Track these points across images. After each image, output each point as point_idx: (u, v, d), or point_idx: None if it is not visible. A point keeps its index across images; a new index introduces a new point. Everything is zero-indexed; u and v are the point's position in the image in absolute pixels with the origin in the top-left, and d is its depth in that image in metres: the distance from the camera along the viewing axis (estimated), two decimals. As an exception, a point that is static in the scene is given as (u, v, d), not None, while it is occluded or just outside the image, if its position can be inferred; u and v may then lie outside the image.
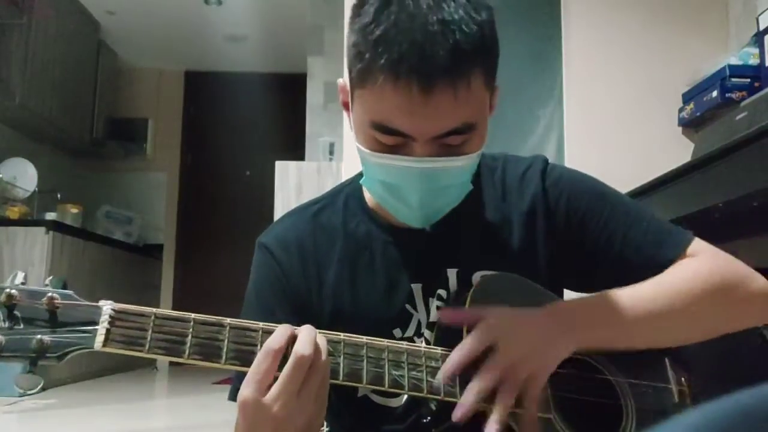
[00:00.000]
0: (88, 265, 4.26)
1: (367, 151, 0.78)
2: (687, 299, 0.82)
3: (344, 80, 0.83)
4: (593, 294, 0.83)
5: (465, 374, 0.73)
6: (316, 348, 0.68)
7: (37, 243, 3.76)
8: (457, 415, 0.70)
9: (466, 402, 0.70)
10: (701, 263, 0.86)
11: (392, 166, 0.76)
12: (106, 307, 0.66)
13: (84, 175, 5.45)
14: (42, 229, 3.79)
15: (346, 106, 0.84)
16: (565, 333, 0.77)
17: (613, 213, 0.90)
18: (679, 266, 0.86)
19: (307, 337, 0.68)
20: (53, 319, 0.65)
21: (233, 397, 0.84)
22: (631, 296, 0.82)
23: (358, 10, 0.77)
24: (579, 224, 0.90)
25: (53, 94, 4.50)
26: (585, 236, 0.90)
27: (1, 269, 3.73)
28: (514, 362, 0.72)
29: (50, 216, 4.19)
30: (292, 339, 0.68)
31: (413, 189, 0.77)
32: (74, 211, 4.60)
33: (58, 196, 4.63)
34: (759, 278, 0.87)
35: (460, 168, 0.78)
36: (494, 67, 0.77)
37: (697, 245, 0.89)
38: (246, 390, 0.67)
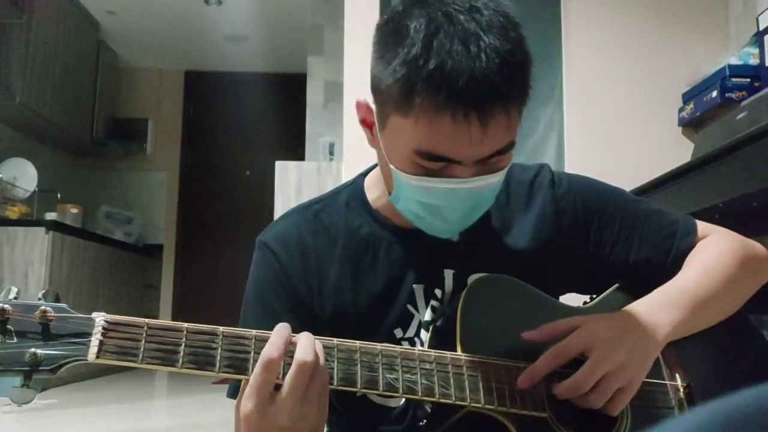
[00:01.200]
0: (88, 265, 4.26)
1: (408, 174, 0.77)
2: (725, 276, 0.89)
3: (365, 99, 0.82)
4: (661, 291, 0.87)
5: (461, 376, 0.74)
6: (317, 353, 0.68)
7: (37, 243, 3.76)
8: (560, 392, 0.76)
9: (562, 393, 0.75)
10: (719, 241, 0.94)
11: (436, 189, 0.76)
12: (99, 318, 0.66)
13: (84, 175, 5.45)
14: (42, 229, 3.79)
15: (366, 123, 0.83)
16: (654, 345, 0.81)
17: (625, 216, 0.94)
18: (703, 248, 0.93)
19: (307, 343, 0.68)
20: (46, 332, 0.65)
21: (231, 394, 0.84)
22: (684, 287, 0.87)
23: (395, 36, 0.73)
24: (594, 232, 0.94)
25: (53, 93, 4.50)
26: (601, 242, 0.94)
27: (1, 269, 3.73)
28: (607, 372, 0.75)
29: (50, 216, 4.19)
30: (288, 345, 0.68)
31: (455, 208, 0.78)
32: (74, 211, 4.60)
33: (58, 196, 4.63)
34: (756, 243, 0.96)
35: (496, 183, 0.79)
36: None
37: (701, 225, 0.96)
38: (249, 403, 0.66)
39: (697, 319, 0.86)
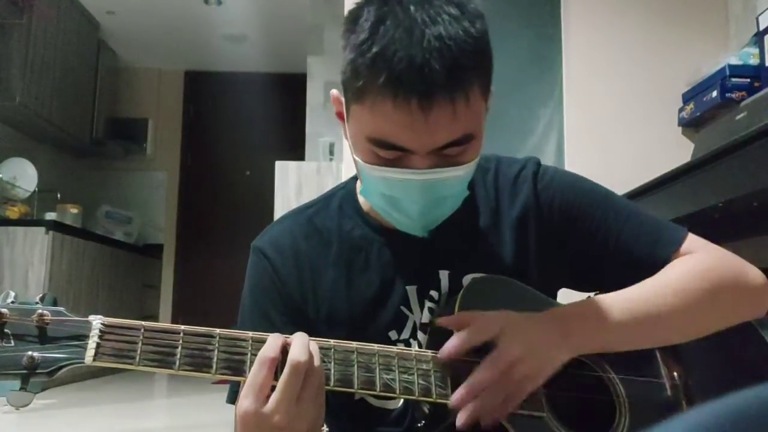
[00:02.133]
0: (88, 265, 4.26)
1: (366, 164, 0.77)
2: (685, 298, 0.82)
3: (338, 92, 0.83)
4: (590, 298, 0.84)
5: (458, 377, 0.74)
6: (311, 354, 0.68)
7: (37, 243, 3.76)
8: (455, 398, 0.72)
9: (467, 388, 0.71)
10: (696, 261, 0.86)
11: (392, 179, 0.76)
12: (96, 321, 0.66)
13: (84, 175, 5.45)
14: (42, 229, 3.79)
15: (340, 116, 0.84)
16: (565, 339, 0.77)
17: (606, 213, 0.90)
18: (676, 265, 0.86)
19: (301, 344, 0.68)
20: (43, 336, 0.65)
21: (231, 400, 0.84)
22: (629, 299, 0.82)
23: (352, 25, 0.76)
24: (572, 226, 0.90)
25: (53, 93, 4.50)
26: (579, 238, 0.90)
27: (1, 269, 3.73)
28: (512, 361, 0.72)
29: (50, 216, 4.19)
30: (285, 346, 0.69)
31: (414, 201, 0.78)
32: (74, 211, 4.60)
33: (58, 196, 4.63)
34: (753, 270, 0.87)
35: (459, 177, 0.78)
36: (490, 77, 0.78)
37: (692, 241, 0.89)
38: (245, 402, 0.67)
39: (628, 336, 0.80)
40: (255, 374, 0.67)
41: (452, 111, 0.72)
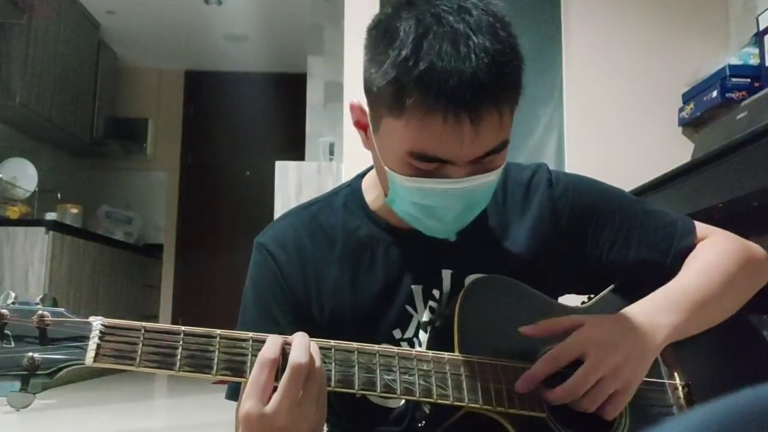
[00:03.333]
0: (88, 265, 4.26)
1: (402, 176, 0.77)
2: (725, 277, 0.88)
3: (359, 102, 0.82)
4: (659, 293, 0.87)
5: (458, 377, 0.74)
6: (311, 355, 0.68)
7: (37, 243, 3.76)
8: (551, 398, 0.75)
9: (554, 399, 0.75)
10: (718, 243, 0.93)
11: (430, 189, 0.76)
12: (96, 322, 0.66)
13: (84, 175, 5.45)
14: (42, 229, 3.79)
15: (360, 125, 0.83)
16: (651, 350, 0.80)
17: (624, 216, 0.94)
18: (703, 250, 0.93)
19: (301, 345, 0.68)
20: (44, 337, 0.65)
21: (230, 395, 0.85)
22: (687, 288, 0.87)
23: (384, 38, 0.74)
24: (591, 232, 0.93)
25: (53, 93, 4.50)
26: (598, 243, 0.93)
27: (1, 269, 3.73)
28: (603, 376, 0.75)
29: (50, 216, 4.19)
30: (285, 347, 0.68)
31: (450, 208, 0.78)
32: (74, 211, 4.60)
33: (58, 195, 4.63)
34: (753, 244, 0.95)
35: (491, 182, 0.79)
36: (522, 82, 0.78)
37: (700, 227, 0.96)
38: (247, 403, 0.67)
39: (697, 321, 0.85)
40: (255, 376, 0.67)
41: (498, 121, 0.72)
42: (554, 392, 0.75)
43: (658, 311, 0.83)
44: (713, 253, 0.91)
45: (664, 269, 0.92)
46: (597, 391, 0.75)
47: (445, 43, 0.69)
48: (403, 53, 0.70)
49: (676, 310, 0.84)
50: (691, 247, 0.93)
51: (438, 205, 0.78)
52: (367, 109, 0.80)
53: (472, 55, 0.69)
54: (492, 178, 0.78)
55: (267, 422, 0.66)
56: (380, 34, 0.75)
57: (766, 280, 0.94)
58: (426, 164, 0.74)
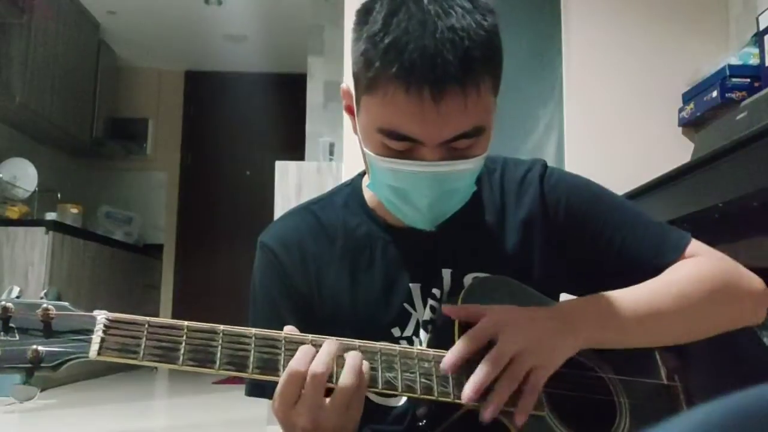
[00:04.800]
0: (88, 265, 4.26)
1: (376, 156, 0.78)
2: (687, 299, 0.83)
3: (347, 85, 0.83)
4: (595, 295, 0.84)
5: (459, 375, 0.74)
6: (362, 378, 0.70)
7: (37, 243, 3.76)
8: (465, 393, 0.71)
9: (472, 385, 0.71)
10: (699, 264, 0.87)
11: (402, 171, 0.76)
12: (101, 316, 0.67)
13: (84, 175, 5.45)
14: (42, 229, 3.79)
15: (349, 110, 0.85)
16: (570, 332, 0.77)
17: (611, 217, 0.91)
18: (679, 267, 0.87)
19: (353, 368, 0.70)
20: (48, 330, 0.66)
21: (249, 392, 0.87)
22: (632, 297, 0.82)
23: (364, 17, 0.76)
24: (577, 228, 0.91)
25: (53, 94, 4.50)
26: (584, 241, 0.91)
27: (1, 269, 3.73)
28: (516, 353, 0.72)
29: (50, 216, 4.19)
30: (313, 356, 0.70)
31: (423, 193, 0.78)
32: (74, 211, 4.60)
33: (58, 196, 4.63)
34: (754, 277, 0.88)
35: (468, 171, 0.78)
36: (500, 72, 0.78)
37: (695, 246, 0.90)
38: (275, 403, 0.71)
39: (633, 332, 0.81)
40: (284, 385, 0.69)
41: (463, 102, 0.72)
42: (474, 374, 0.72)
43: (590, 312, 0.80)
44: (683, 272, 0.86)
45: (644, 277, 0.87)
46: (514, 367, 0.72)
47: (414, 20, 0.71)
48: (374, 28, 0.73)
49: (609, 317, 0.80)
50: (673, 262, 0.88)
51: (410, 188, 0.78)
52: (353, 91, 0.81)
53: (438, 33, 0.70)
54: (469, 166, 0.77)
55: (291, 420, 0.70)
56: (360, 14, 0.78)
57: (754, 316, 0.87)
58: (397, 143, 0.75)
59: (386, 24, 0.72)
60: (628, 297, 0.82)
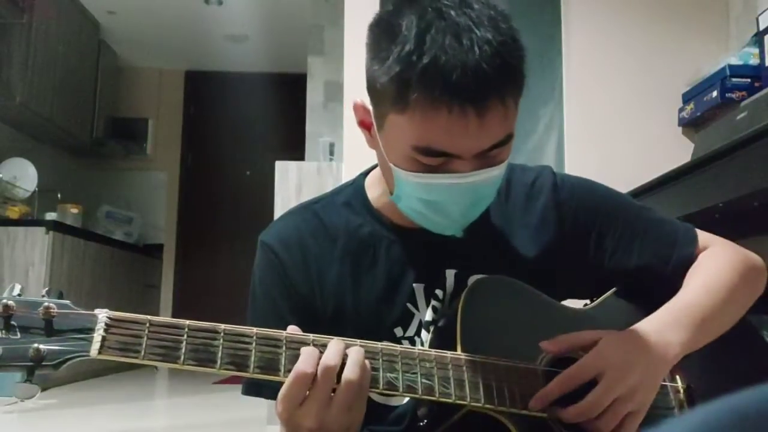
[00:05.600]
0: (89, 265, 4.26)
1: (407, 171, 0.77)
2: (727, 290, 0.88)
3: (362, 101, 0.82)
4: (670, 307, 0.85)
5: (460, 376, 0.74)
6: (365, 370, 0.70)
7: (37, 243, 3.76)
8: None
9: (569, 418, 0.74)
10: (719, 254, 0.93)
11: (437, 185, 0.76)
12: (102, 315, 0.67)
13: (84, 175, 5.45)
14: (42, 229, 3.79)
15: (364, 125, 0.83)
16: (665, 358, 0.79)
17: (626, 223, 0.94)
18: (705, 262, 0.92)
19: (356, 362, 0.70)
20: (49, 328, 0.66)
21: (245, 391, 0.87)
22: (692, 305, 0.85)
23: (387, 34, 0.74)
24: (595, 237, 0.93)
25: (53, 93, 4.50)
26: (601, 248, 0.93)
27: (1, 269, 3.73)
28: (620, 397, 0.74)
29: (50, 216, 4.19)
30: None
31: (456, 203, 0.78)
32: (74, 211, 4.60)
33: (58, 196, 4.63)
34: (752, 254, 0.95)
35: (497, 177, 0.79)
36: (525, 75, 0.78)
37: (701, 235, 0.95)
38: (279, 405, 0.70)
39: (703, 336, 0.84)
40: (290, 386, 0.69)
41: (504, 113, 0.72)
42: (568, 411, 0.74)
43: (667, 329, 0.82)
44: (715, 266, 0.91)
45: (665, 277, 0.92)
46: (612, 412, 0.74)
47: (448, 36, 0.70)
48: (407, 48, 0.71)
49: (684, 326, 0.82)
50: (692, 257, 0.93)
51: (444, 200, 0.78)
52: (370, 107, 0.80)
53: (476, 48, 0.69)
54: (497, 172, 0.78)
55: (296, 422, 0.70)
56: (382, 31, 0.75)
57: (763, 290, 0.94)
58: (431, 159, 0.74)
59: (420, 42, 0.70)
60: (695, 301, 0.86)
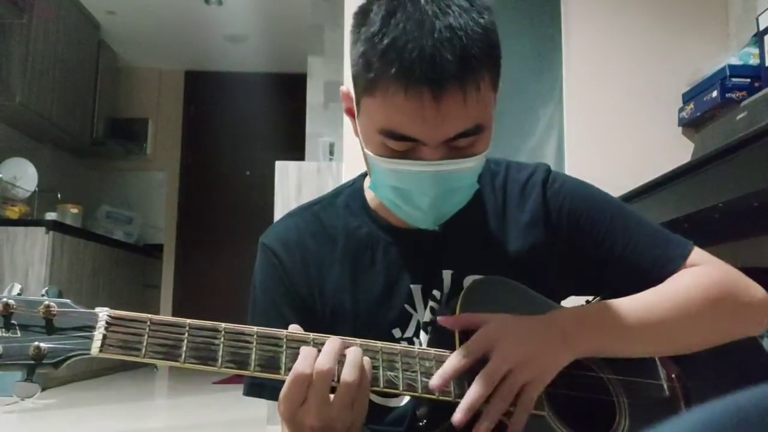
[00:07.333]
0: (89, 265, 4.26)
1: (378, 157, 0.78)
2: (686, 309, 0.82)
3: (347, 87, 0.83)
4: (592, 303, 0.84)
5: (460, 378, 0.74)
6: (363, 373, 0.70)
7: (37, 243, 3.76)
8: (456, 418, 0.71)
9: (464, 407, 0.71)
10: (701, 273, 0.87)
11: (403, 171, 0.77)
12: (102, 313, 0.67)
13: (84, 175, 5.45)
14: (42, 229, 3.79)
15: (350, 112, 0.84)
16: (564, 341, 0.77)
17: (614, 223, 0.91)
18: (681, 276, 0.87)
19: (354, 363, 0.70)
20: (50, 327, 0.66)
21: (247, 392, 0.87)
22: (630, 306, 0.82)
23: (362, 19, 0.77)
24: (579, 235, 0.91)
25: (53, 93, 4.50)
26: (585, 247, 0.91)
27: (1, 269, 3.73)
28: (511, 368, 0.72)
29: (50, 216, 4.19)
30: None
31: (425, 193, 0.78)
32: (74, 211, 4.60)
33: (58, 196, 4.63)
34: (756, 287, 0.87)
35: (469, 169, 0.78)
36: (499, 69, 0.78)
37: (698, 255, 0.90)
38: (281, 405, 0.71)
39: (630, 341, 0.81)
40: (289, 387, 0.69)
41: (463, 100, 0.72)
42: (467, 394, 0.72)
43: (588, 321, 0.80)
44: (685, 282, 0.85)
45: (641, 285, 0.87)
46: (507, 384, 0.72)
47: (411, 20, 0.71)
48: (372, 29, 0.73)
49: (608, 328, 0.80)
50: (675, 270, 0.88)
51: (413, 189, 0.78)
52: (353, 94, 0.81)
53: (436, 33, 0.70)
54: (471, 164, 0.77)
55: (298, 420, 0.70)
56: (358, 16, 0.78)
57: (757, 325, 0.87)
58: (398, 143, 0.75)
59: (384, 25, 0.72)
60: (628, 306, 0.82)
